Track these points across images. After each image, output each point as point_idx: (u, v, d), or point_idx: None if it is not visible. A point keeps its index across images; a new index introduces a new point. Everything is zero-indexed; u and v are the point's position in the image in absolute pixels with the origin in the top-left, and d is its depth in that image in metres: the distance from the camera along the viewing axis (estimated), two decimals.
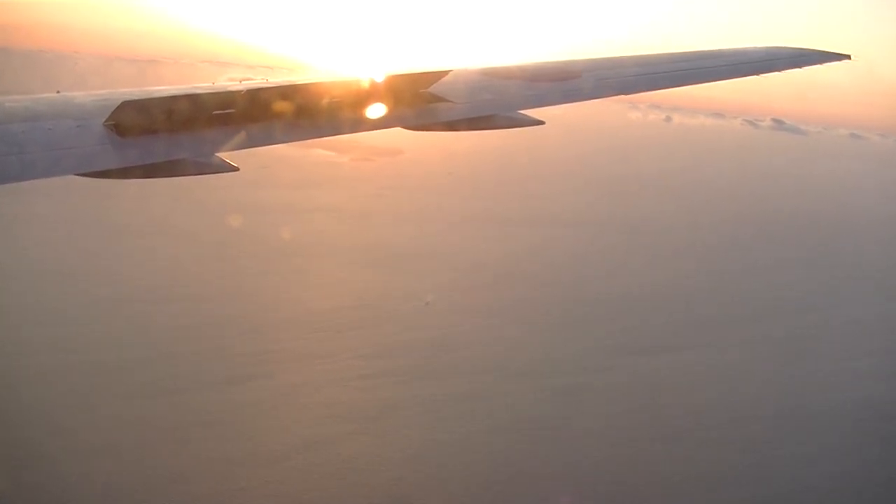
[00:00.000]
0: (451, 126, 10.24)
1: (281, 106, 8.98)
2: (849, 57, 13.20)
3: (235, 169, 8.66)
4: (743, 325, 62.94)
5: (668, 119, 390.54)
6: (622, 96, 11.91)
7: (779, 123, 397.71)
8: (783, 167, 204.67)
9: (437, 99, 9.95)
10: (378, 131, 10.22)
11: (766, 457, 39.66)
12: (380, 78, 9.74)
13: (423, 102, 9.90)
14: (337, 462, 35.48)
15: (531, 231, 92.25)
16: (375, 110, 9.66)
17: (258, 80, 10.00)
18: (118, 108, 7.77)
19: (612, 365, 50.87)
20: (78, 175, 7.50)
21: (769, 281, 77.66)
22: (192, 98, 8.59)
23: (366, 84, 9.70)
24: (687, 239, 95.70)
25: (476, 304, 60.41)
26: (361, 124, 9.66)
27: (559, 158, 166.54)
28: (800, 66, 12.73)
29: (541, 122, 10.47)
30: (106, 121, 7.83)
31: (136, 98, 8.14)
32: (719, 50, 13.20)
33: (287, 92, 9.21)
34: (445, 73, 10.05)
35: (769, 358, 55.67)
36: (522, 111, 10.74)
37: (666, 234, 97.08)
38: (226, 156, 8.68)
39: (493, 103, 10.57)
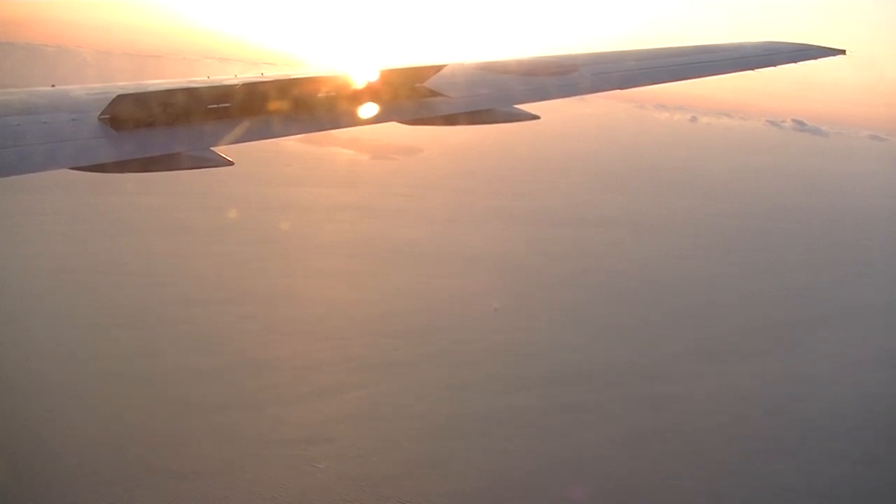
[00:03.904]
0: (447, 120, 10.25)
1: (277, 100, 8.99)
2: (844, 52, 13.23)
3: (230, 163, 8.66)
4: (820, 327, 62.42)
5: (694, 119, 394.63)
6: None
7: (800, 124, 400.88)
8: (820, 169, 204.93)
9: (433, 93, 9.96)
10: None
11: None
12: (376, 72, 9.74)
13: (419, 97, 9.91)
14: (459, 480, 33.51)
15: (573, 231, 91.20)
16: (372, 105, 9.67)
17: (254, 75, 10.00)
18: (113, 101, 7.79)
19: (701, 371, 49.22)
20: (73, 169, 7.53)
21: (839, 282, 77.93)
22: (188, 92, 8.61)
23: (362, 79, 9.71)
24: (737, 240, 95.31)
25: (542, 308, 58.70)
26: (358, 119, 9.67)
27: (585, 158, 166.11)
28: (796, 62, 12.73)
29: (536, 117, 10.46)
30: (101, 114, 7.85)
31: (131, 92, 8.15)
32: (717, 45, 13.19)
33: (283, 86, 9.23)
34: (441, 67, 10.05)
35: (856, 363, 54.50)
36: (520, 105, 10.74)
37: (716, 235, 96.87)
38: (223, 150, 8.69)
39: (490, 97, 10.58)
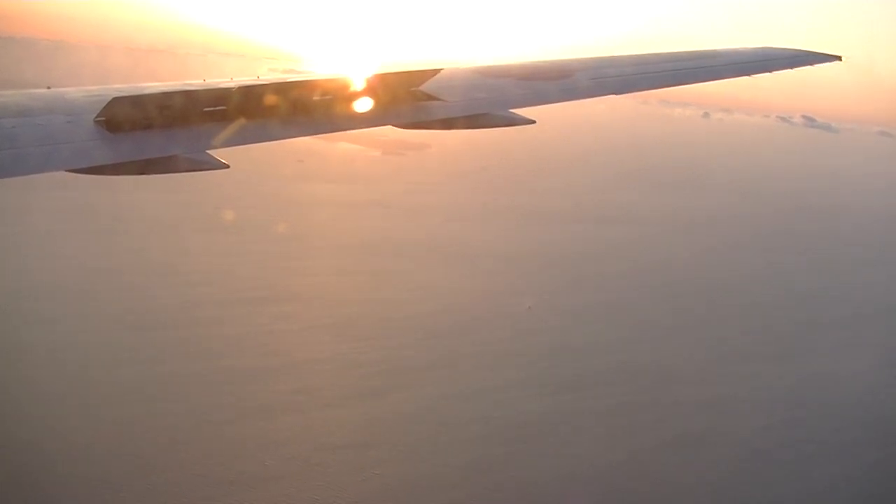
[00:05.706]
0: (444, 124, 10.30)
1: (273, 103, 9.06)
2: (839, 58, 13.27)
3: (226, 166, 8.74)
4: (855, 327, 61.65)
5: (706, 115, 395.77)
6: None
7: (810, 121, 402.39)
8: (838, 166, 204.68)
9: (430, 97, 10.02)
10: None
11: None
12: (372, 76, 9.82)
13: (415, 101, 9.97)
14: (517, 485, 32.68)
15: (592, 228, 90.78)
16: (367, 108, 9.75)
17: (251, 77, 10.08)
18: (109, 104, 7.87)
19: (742, 372, 48.45)
20: (68, 171, 7.61)
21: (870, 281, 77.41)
22: (184, 95, 8.69)
23: (357, 82, 9.79)
24: (761, 238, 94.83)
25: (574, 308, 57.78)
26: (353, 122, 9.75)
27: (606, 155, 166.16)
28: (792, 67, 12.76)
29: (532, 122, 10.51)
30: (97, 117, 7.93)
31: (127, 94, 8.24)
32: (713, 50, 13.23)
33: (279, 89, 9.29)
34: (437, 71, 10.12)
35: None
36: (516, 110, 10.78)
37: (745, 233, 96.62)
38: (220, 153, 8.77)
39: (486, 102, 10.63)
